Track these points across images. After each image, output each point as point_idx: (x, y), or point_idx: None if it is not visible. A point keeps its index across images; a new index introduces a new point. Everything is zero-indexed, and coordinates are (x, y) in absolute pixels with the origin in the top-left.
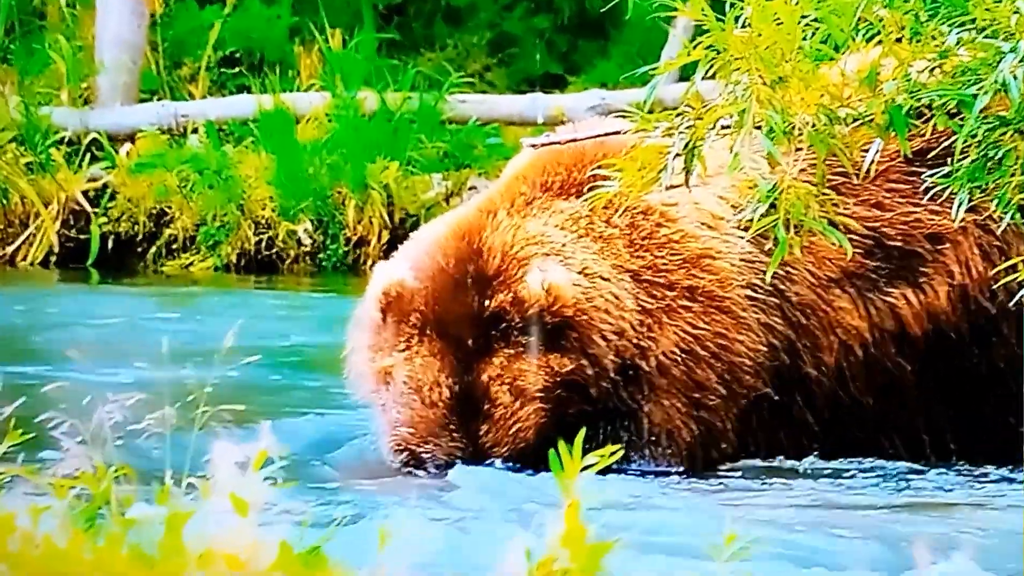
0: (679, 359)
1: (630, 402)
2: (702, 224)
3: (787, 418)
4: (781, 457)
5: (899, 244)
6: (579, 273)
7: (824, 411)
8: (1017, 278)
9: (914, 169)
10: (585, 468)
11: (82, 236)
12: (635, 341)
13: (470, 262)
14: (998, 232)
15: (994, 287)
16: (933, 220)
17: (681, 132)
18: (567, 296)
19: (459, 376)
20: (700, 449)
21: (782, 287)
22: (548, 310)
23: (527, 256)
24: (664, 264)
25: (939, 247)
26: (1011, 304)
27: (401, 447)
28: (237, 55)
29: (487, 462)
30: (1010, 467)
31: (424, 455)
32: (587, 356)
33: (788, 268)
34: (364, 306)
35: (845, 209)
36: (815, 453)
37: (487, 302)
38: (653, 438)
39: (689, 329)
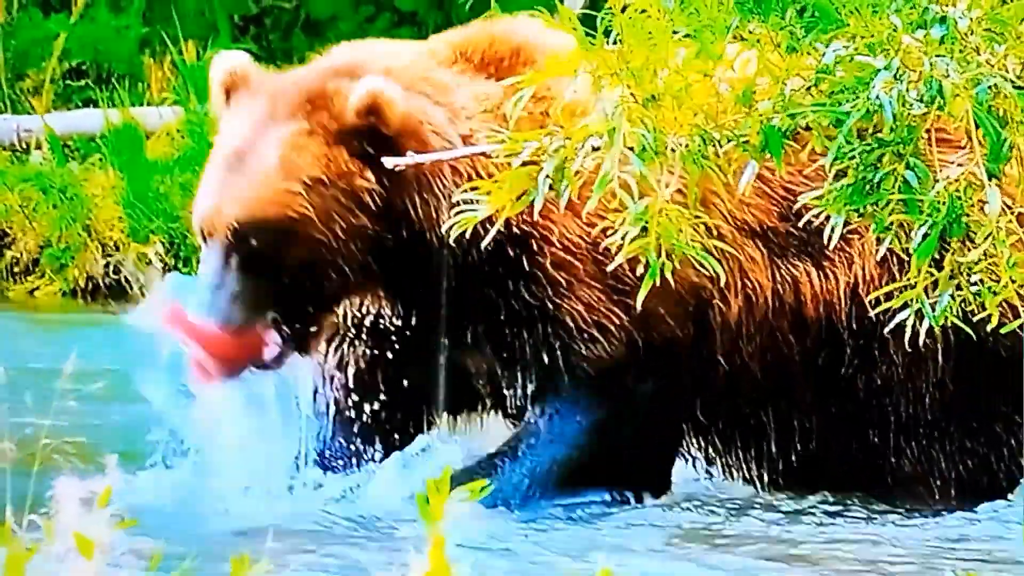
0: (585, 251)
1: (532, 300)
2: None
3: (695, 351)
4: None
5: (815, 219)
6: (463, 137)
7: (719, 362)
8: (913, 296)
9: None
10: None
11: None
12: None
13: (338, 59)
14: (878, 255)
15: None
16: None
17: (550, 153)
18: (391, 113)
19: (252, 134)
20: (641, 333)
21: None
22: (363, 114)
23: (406, 81)
24: None
25: (849, 236)
26: (895, 323)
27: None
28: (84, 67)
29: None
30: (856, 496)
31: (196, 208)
32: (405, 195)
33: (708, 193)
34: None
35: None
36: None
37: (321, 84)
38: (579, 333)
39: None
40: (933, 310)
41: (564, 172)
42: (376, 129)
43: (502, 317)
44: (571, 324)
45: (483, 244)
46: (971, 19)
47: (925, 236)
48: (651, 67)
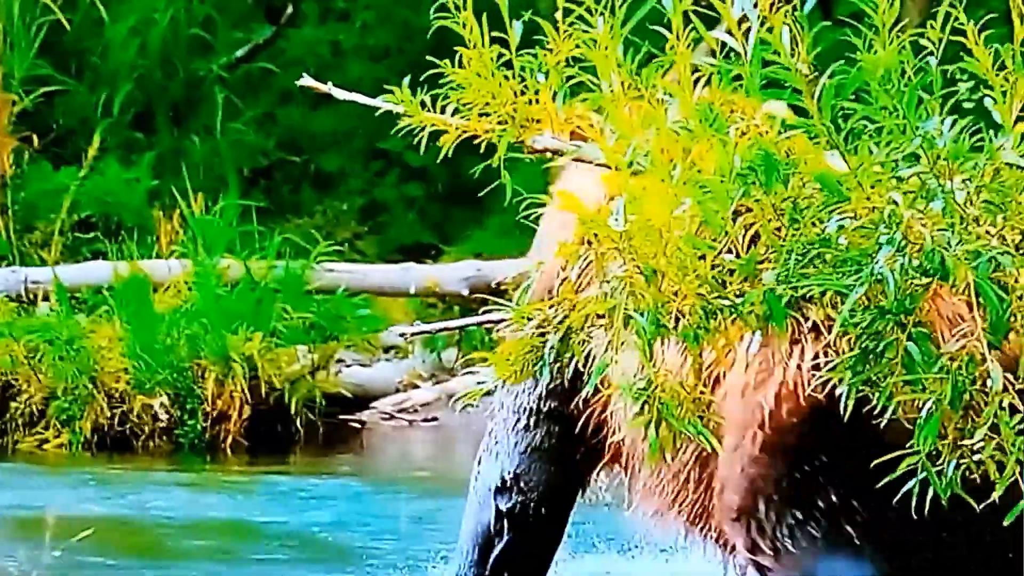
0: None
1: None
2: None
3: None
4: None
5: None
6: None
7: None
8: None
9: None
10: None
11: None
12: None
13: None
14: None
15: None
16: None
17: (555, 325)
18: None
19: None
20: None
21: None
22: None
23: None
24: None
25: None
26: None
27: None
28: (93, 219)
29: None
30: None
31: None
32: None
33: None
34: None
35: None
36: None
37: None
38: None
39: None
40: (940, 479)
41: (569, 344)
42: None
43: None
44: None
45: None
46: (968, 191)
47: (930, 413)
48: (653, 240)
